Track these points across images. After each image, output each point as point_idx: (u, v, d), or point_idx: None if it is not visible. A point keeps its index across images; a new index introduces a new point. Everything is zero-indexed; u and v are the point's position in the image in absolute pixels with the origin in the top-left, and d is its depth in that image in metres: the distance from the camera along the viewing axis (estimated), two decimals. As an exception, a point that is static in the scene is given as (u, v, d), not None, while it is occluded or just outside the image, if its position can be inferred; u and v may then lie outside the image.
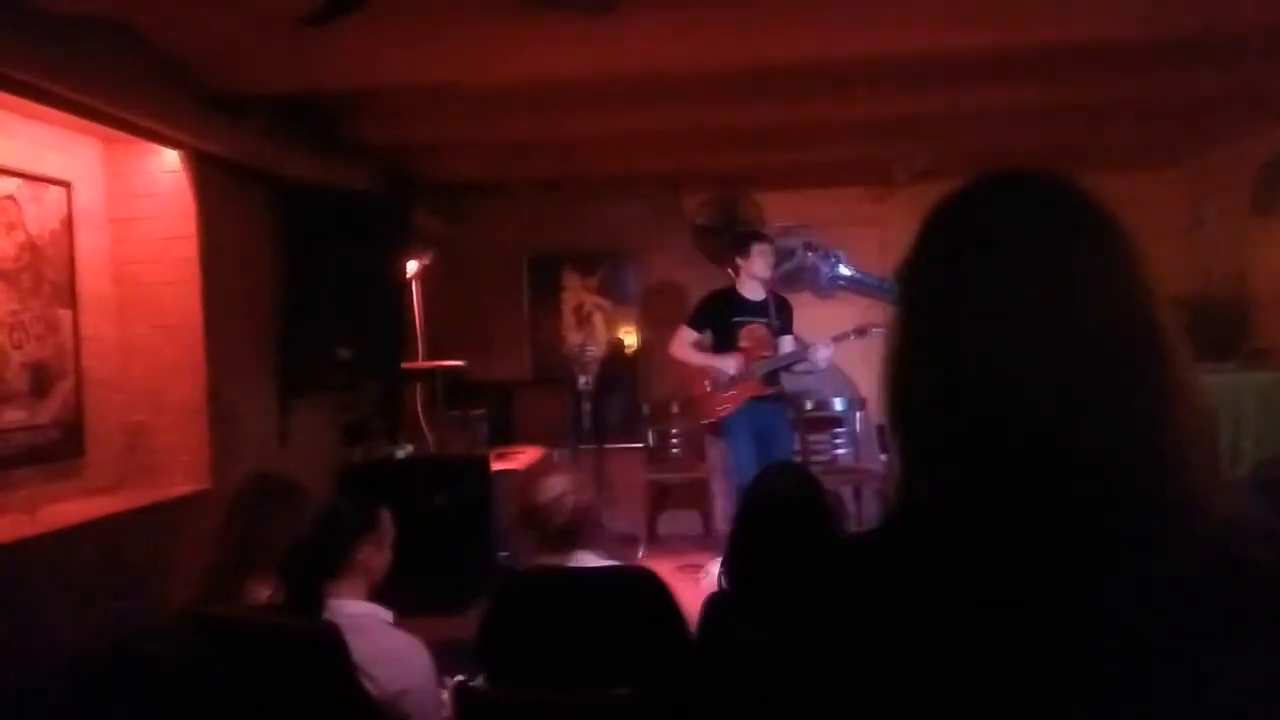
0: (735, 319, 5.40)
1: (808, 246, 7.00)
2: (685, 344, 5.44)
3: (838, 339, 5.37)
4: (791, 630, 1.03)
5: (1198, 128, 5.60)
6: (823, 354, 5.26)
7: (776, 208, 6.97)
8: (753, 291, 5.44)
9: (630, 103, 4.61)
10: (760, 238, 5.57)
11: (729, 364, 5.28)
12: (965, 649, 0.74)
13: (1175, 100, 4.76)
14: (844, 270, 6.98)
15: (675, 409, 6.76)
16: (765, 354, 5.35)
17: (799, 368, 5.44)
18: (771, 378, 5.35)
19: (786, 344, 5.46)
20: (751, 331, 5.38)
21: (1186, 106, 4.97)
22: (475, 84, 4.17)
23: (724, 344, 5.38)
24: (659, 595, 2.44)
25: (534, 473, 2.59)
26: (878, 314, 6.53)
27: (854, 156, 5.92)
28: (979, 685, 0.73)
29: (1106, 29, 3.64)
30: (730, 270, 5.54)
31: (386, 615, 2.47)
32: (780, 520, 2.18)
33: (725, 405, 5.29)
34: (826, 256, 6.99)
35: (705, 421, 5.45)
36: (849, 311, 6.88)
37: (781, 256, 6.98)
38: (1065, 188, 0.84)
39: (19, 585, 3.01)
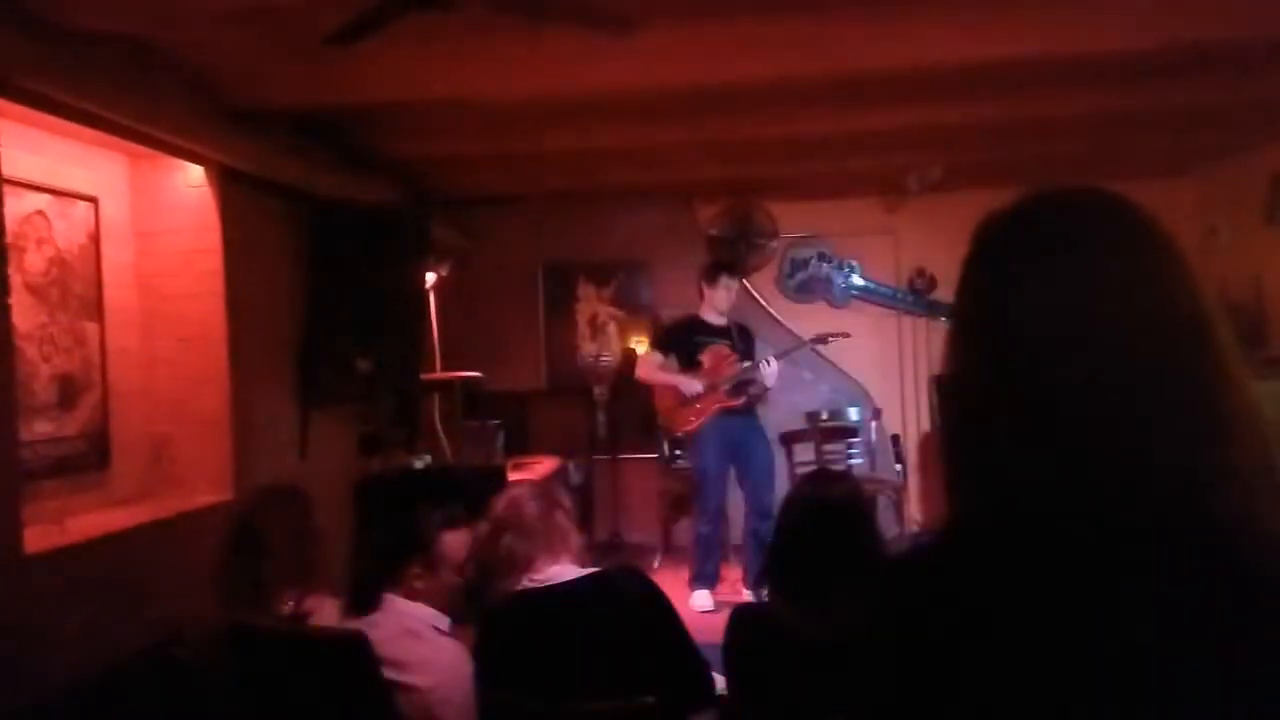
0: (697, 339, 5.72)
1: (822, 257, 7.05)
2: (651, 366, 5.79)
3: (780, 356, 5.72)
4: (848, 637, 1.05)
5: (1210, 138, 5.61)
6: (768, 371, 5.55)
7: (790, 218, 7.00)
8: (714, 318, 5.77)
9: (645, 115, 4.65)
10: (731, 272, 5.81)
11: (692, 382, 5.59)
12: (1025, 661, 0.76)
13: (1187, 111, 4.78)
14: (858, 280, 7.03)
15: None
16: (726, 371, 5.63)
17: (752, 389, 5.68)
18: (736, 391, 5.62)
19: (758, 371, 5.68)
20: (713, 351, 5.69)
21: (1199, 117, 4.99)
22: (492, 99, 4.21)
23: (687, 363, 5.69)
24: (647, 590, 2.47)
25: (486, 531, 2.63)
26: (838, 323, 6.51)
27: (867, 167, 5.95)
28: (1037, 695, 0.75)
29: (1120, 41, 3.67)
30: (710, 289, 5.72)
31: (441, 621, 2.50)
32: (827, 527, 2.19)
33: (695, 417, 5.59)
34: (840, 267, 7.05)
35: (680, 432, 5.74)
36: (864, 321, 6.92)
37: (795, 267, 7.03)
38: (1115, 202, 0.86)
39: (47, 595, 3.05)
